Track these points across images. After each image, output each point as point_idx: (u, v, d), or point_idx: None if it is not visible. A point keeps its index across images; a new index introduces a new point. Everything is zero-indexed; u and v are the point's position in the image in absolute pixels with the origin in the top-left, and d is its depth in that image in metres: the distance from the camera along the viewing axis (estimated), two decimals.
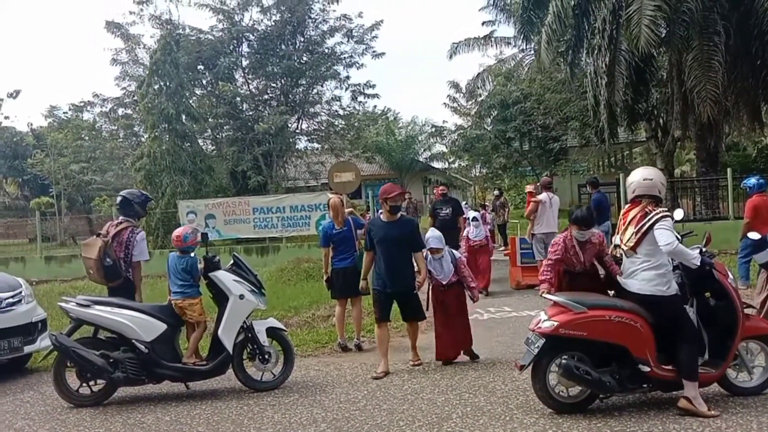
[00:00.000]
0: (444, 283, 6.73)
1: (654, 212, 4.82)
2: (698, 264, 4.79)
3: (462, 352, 6.86)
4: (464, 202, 25.00)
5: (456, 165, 39.39)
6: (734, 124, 18.35)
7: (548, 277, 5.55)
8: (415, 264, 6.66)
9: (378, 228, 6.60)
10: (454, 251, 7.07)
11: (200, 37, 26.29)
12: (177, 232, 6.42)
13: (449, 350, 6.79)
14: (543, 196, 11.07)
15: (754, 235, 7.54)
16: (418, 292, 6.73)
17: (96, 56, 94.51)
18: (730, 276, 5.17)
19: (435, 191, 13.19)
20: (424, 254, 6.74)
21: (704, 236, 5.38)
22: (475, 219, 11.17)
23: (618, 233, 5.15)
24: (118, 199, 6.94)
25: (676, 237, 5.05)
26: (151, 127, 22.89)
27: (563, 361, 4.89)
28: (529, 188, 12.14)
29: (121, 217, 6.84)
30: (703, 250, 5.14)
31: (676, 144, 20.02)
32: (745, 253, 9.42)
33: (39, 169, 32.34)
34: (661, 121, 20.65)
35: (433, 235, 6.77)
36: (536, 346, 4.95)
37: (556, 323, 4.86)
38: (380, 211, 6.91)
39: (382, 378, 6.31)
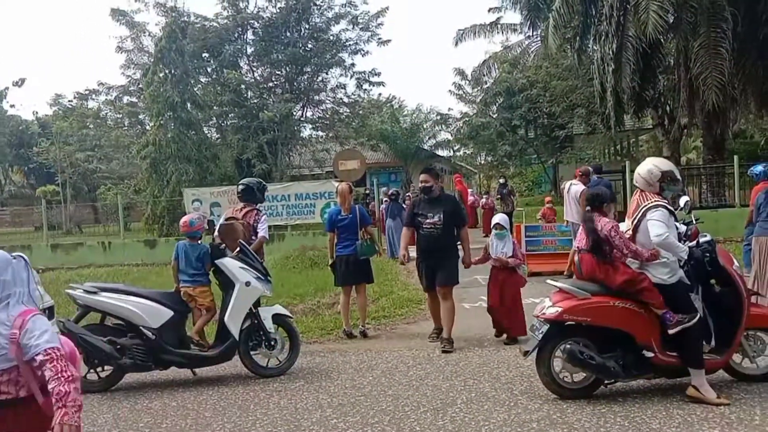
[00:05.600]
0: None
1: (645, 203, 4.75)
2: (685, 257, 4.77)
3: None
4: (470, 190, 24.90)
5: (461, 153, 39.26)
6: (741, 112, 18.22)
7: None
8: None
9: None
10: None
11: (205, 25, 26.27)
12: (184, 218, 6.55)
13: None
14: (565, 184, 11.02)
15: None
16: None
17: (101, 44, 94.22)
18: (735, 263, 5.15)
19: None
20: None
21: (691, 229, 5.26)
22: (498, 225, 7.19)
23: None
24: (240, 187, 7.38)
25: (685, 224, 5.04)
26: (156, 115, 22.93)
27: (567, 346, 4.90)
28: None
29: (242, 203, 7.28)
30: (703, 240, 5.10)
31: (682, 131, 19.88)
32: (749, 240, 9.36)
33: (44, 157, 32.45)
34: (667, 108, 20.48)
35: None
36: (540, 332, 4.97)
37: (560, 309, 4.88)
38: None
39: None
